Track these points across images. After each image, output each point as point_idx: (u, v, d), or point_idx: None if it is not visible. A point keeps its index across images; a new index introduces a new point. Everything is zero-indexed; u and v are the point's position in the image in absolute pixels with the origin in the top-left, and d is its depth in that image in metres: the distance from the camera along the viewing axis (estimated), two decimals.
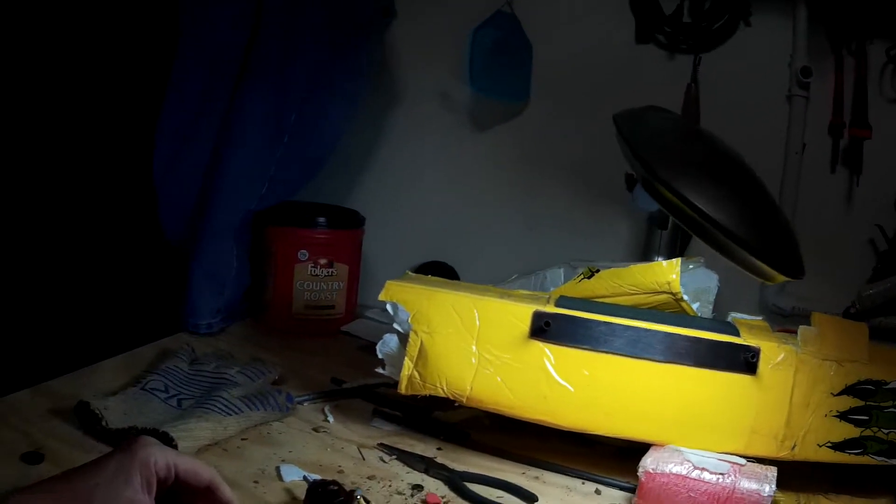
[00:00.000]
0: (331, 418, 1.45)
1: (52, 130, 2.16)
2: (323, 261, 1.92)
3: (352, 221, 2.01)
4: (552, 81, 2.01)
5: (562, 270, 1.74)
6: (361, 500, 1.04)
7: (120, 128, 2.18)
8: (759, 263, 1.33)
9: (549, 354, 1.27)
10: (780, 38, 1.79)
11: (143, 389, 1.40)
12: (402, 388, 1.33)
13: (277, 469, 1.21)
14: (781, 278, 1.37)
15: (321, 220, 1.93)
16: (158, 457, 0.92)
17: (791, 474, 1.22)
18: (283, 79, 1.85)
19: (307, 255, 1.90)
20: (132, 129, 2.09)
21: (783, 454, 1.22)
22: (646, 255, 1.77)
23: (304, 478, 1.13)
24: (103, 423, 1.26)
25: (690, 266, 1.55)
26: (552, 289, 1.64)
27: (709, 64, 1.78)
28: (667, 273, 1.40)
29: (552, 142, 2.03)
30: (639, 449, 1.24)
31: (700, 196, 1.29)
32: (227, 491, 0.97)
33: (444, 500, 1.18)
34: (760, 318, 1.45)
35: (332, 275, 1.94)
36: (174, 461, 0.94)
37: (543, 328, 1.26)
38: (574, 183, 2.00)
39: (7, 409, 1.33)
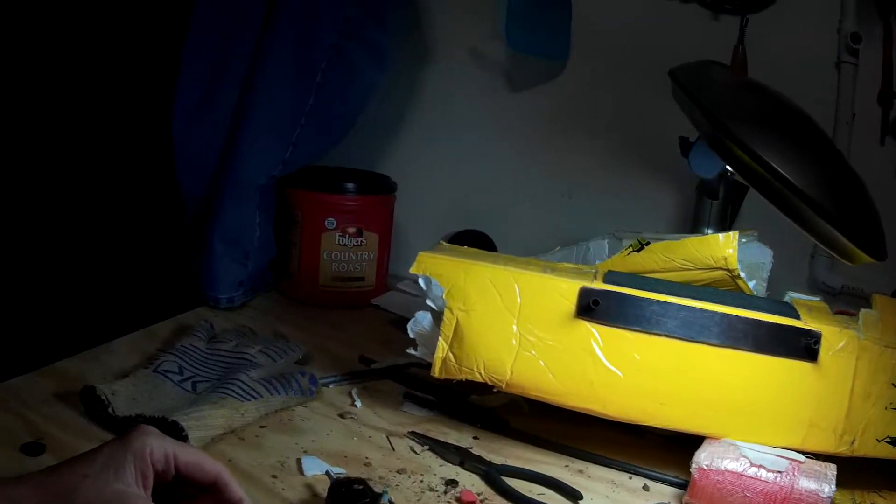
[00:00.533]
0: (358, 403, 1.36)
1: (65, 91, 2.11)
2: (352, 229, 1.82)
3: (382, 187, 1.91)
4: (592, 40, 1.90)
5: (606, 242, 1.66)
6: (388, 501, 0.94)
7: (135, 89, 2.12)
8: (842, 240, 1.21)
9: (596, 336, 1.17)
10: (828, 1, 1.68)
11: (155, 371, 1.32)
12: (436, 372, 1.23)
13: (298, 461, 1.14)
14: (864, 259, 1.25)
15: (350, 185, 1.83)
16: (155, 447, 0.86)
17: (845, 470, 1.13)
18: (309, 33, 1.75)
19: (335, 223, 1.80)
20: (148, 90, 2.02)
21: (842, 450, 1.14)
22: (694, 227, 1.68)
23: (327, 473, 1.05)
24: (109, 410, 1.18)
25: (743, 240, 1.46)
26: (597, 262, 1.56)
27: (755, 26, 1.67)
28: (723, 247, 1.30)
29: (592, 104, 1.93)
30: (689, 439, 1.16)
31: (781, 160, 1.18)
32: (235, 489, 0.91)
33: (481, 497, 1.10)
34: (818, 298, 1.36)
35: (361, 244, 1.84)
36: (173, 452, 0.88)
37: (591, 307, 1.16)
38: (616, 148, 1.90)
39: (8, 393, 1.26)
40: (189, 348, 1.42)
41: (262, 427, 1.23)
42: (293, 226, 1.85)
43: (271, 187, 1.82)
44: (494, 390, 1.22)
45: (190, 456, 0.88)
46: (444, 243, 1.41)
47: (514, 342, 1.18)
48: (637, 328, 1.16)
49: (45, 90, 2.07)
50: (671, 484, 1.17)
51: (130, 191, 2.19)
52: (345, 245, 1.82)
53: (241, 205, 1.76)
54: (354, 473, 1.11)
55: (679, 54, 1.44)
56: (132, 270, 2.19)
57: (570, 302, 1.17)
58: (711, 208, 1.61)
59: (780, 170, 1.15)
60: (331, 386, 1.41)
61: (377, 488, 1.00)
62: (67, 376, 1.34)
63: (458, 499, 1.09)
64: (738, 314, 1.15)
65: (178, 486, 0.89)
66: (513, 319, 1.19)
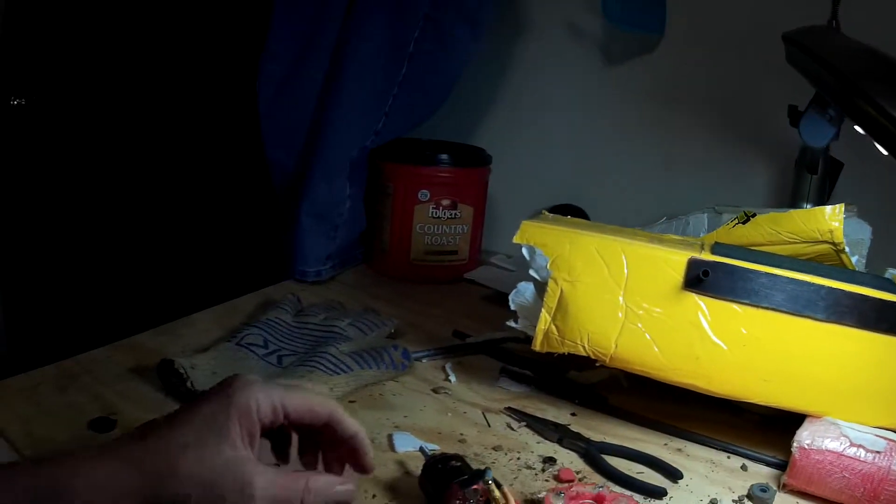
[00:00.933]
0: (452, 378, 1.33)
1: (155, 70, 2.12)
2: (446, 202, 1.79)
3: (477, 159, 1.88)
4: (687, 13, 1.85)
5: (705, 216, 1.63)
6: (492, 484, 0.90)
7: (224, 64, 2.12)
8: None
9: (704, 309, 1.12)
10: None
11: (238, 345, 1.30)
12: (538, 345, 1.19)
13: (390, 437, 1.12)
14: None
15: (444, 157, 1.80)
16: (262, 400, 0.81)
17: None
18: (402, 2, 1.73)
19: (428, 195, 1.78)
20: (236, 64, 2.01)
21: None
22: (792, 203, 1.64)
23: (421, 449, 1.01)
24: (188, 385, 1.17)
25: (844, 216, 1.40)
26: (697, 235, 1.53)
27: (849, 1, 1.62)
28: (830, 220, 1.26)
29: (688, 77, 1.89)
30: (784, 419, 1.13)
31: None
32: (349, 424, 0.86)
33: (579, 475, 1.06)
34: None
35: (455, 217, 1.81)
36: (281, 402, 0.82)
37: (701, 278, 1.12)
38: (713, 121, 1.86)
39: (81, 367, 1.26)
40: (275, 321, 1.40)
41: (350, 402, 1.22)
42: (385, 198, 1.83)
43: (362, 159, 1.80)
44: (597, 364, 1.17)
45: (299, 401, 0.84)
46: (547, 213, 1.38)
47: (620, 314, 1.14)
48: (745, 301, 1.12)
49: (137, 70, 2.08)
50: (768, 464, 1.13)
51: (218, 165, 2.19)
52: (438, 218, 1.79)
53: (331, 177, 1.74)
54: (449, 450, 1.08)
55: (773, 28, 1.40)
56: (217, 244, 2.19)
57: (679, 274, 1.13)
58: (811, 183, 1.57)
59: None
60: (424, 360, 1.39)
61: (475, 465, 0.96)
62: (144, 350, 1.33)
63: (556, 477, 1.05)
64: (845, 288, 1.11)
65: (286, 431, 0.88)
66: (619, 291, 1.15)
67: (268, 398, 0.81)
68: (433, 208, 1.78)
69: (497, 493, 0.89)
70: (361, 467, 0.88)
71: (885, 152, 1.14)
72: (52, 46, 2.17)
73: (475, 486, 0.90)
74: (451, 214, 1.80)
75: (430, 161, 1.79)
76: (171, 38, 2.20)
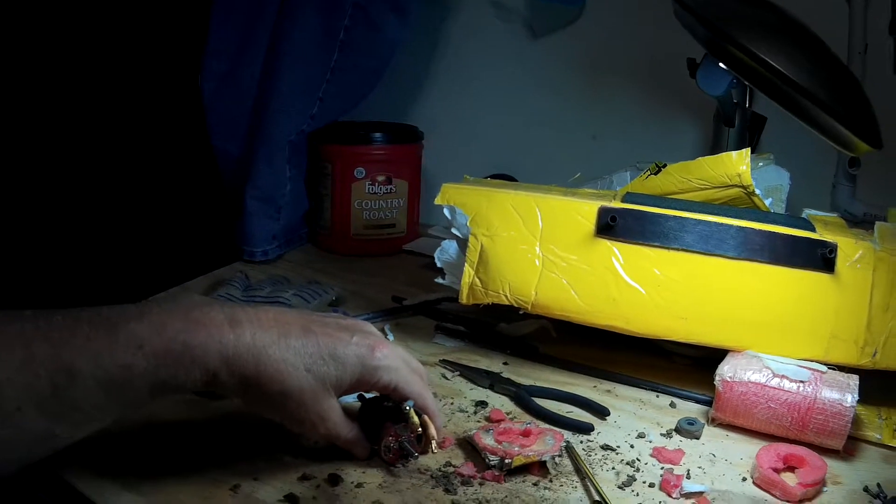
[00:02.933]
0: (391, 336, 1.39)
1: (102, 64, 2.14)
2: (381, 178, 1.85)
3: (410, 136, 1.94)
4: None
5: (628, 173, 1.68)
6: (411, 410, 0.96)
7: (167, 57, 2.15)
8: (841, 129, 1.25)
9: (616, 253, 1.19)
10: None
11: None
12: (464, 298, 1.26)
13: None
14: (864, 147, 1.28)
15: (377, 135, 1.86)
16: (385, 378, 0.94)
17: (872, 387, 1.13)
18: None
19: (364, 172, 1.84)
20: (179, 57, 2.05)
21: (864, 362, 1.14)
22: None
23: (359, 395, 1.05)
24: None
25: (760, 164, 1.48)
26: None
27: None
28: (736, 164, 1.31)
29: (611, 47, 1.94)
30: (714, 360, 1.16)
31: (779, 57, 1.20)
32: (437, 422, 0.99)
33: (510, 416, 1.13)
34: (835, 215, 1.39)
35: (391, 192, 1.87)
36: (395, 387, 0.95)
37: (610, 224, 1.18)
38: (636, 88, 1.92)
39: None
40: (225, 296, 1.46)
41: None
42: (324, 178, 1.88)
43: (301, 143, 1.86)
44: (521, 312, 1.23)
45: (407, 390, 0.95)
46: (468, 177, 1.44)
47: (537, 263, 1.20)
48: (656, 244, 1.18)
49: (80, 64, 2.10)
50: (697, 401, 1.19)
51: (167, 156, 2.22)
52: (375, 193, 1.85)
53: (272, 161, 1.80)
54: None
55: None
56: (167, 231, 2.22)
57: (590, 222, 1.20)
58: (729, 136, 1.62)
59: (781, 69, 1.18)
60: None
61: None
62: None
63: (487, 418, 1.12)
64: (754, 227, 1.17)
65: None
66: (535, 242, 1.21)
67: (391, 377, 0.94)
68: (369, 185, 1.84)
69: (416, 419, 0.96)
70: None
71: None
72: None
73: (405, 423, 0.97)
74: (386, 189, 1.86)
75: (365, 140, 1.85)
76: (117, 35, 2.22)
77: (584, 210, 1.21)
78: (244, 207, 1.81)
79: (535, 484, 0.96)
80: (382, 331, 1.40)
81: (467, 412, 1.14)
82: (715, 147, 1.64)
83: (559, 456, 1.00)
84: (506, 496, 0.93)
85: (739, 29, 1.23)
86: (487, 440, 1.00)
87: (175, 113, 2.14)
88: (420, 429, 0.96)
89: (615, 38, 1.91)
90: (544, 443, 1.01)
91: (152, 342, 0.80)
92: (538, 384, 1.22)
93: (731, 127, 1.61)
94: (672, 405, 1.19)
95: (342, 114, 1.92)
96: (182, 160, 2.18)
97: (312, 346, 0.88)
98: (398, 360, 0.94)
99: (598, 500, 0.92)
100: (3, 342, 0.75)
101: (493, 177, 1.92)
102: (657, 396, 1.21)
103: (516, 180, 1.94)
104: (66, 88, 2.12)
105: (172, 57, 2.13)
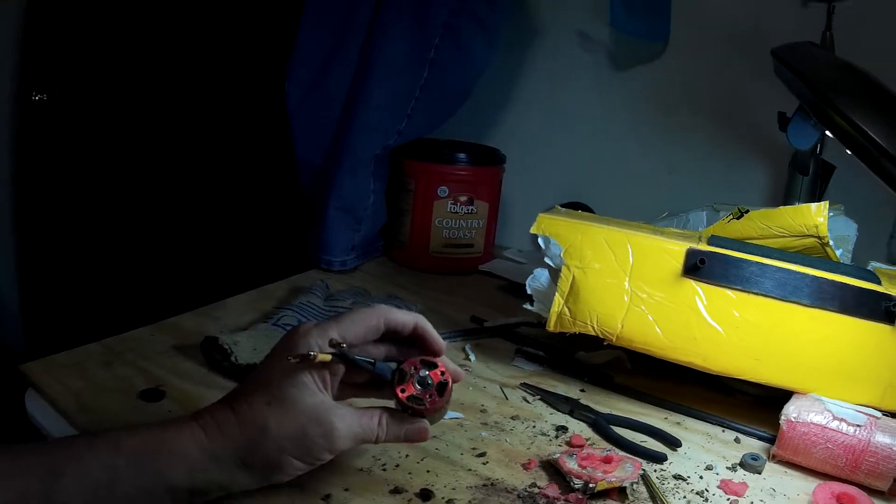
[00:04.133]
0: (472, 357, 1.42)
1: (191, 72, 2.18)
2: (463, 198, 1.88)
3: (493, 158, 1.96)
4: (690, 23, 1.92)
5: (704, 213, 1.69)
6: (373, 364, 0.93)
7: (254, 66, 2.19)
8: None
9: (700, 294, 1.22)
10: None
11: (274, 325, 1.38)
12: (551, 326, 1.29)
13: None
14: None
15: (461, 155, 1.88)
16: (321, 341, 0.89)
17: None
18: (423, 11, 1.81)
19: (447, 191, 1.86)
20: (265, 66, 2.08)
21: None
22: (786, 202, 1.70)
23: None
24: (232, 359, 1.24)
25: (831, 213, 1.49)
26: (698, 230, 1.59)
27: (842, 13, 1.69)
28: (815, 216, 1.33)
29: (691, 83, 1.95)
30: (776, 400, 1.19)
31: (874, 126, 1.22)
32: (403, 318, 0.96)
33: (589, 441, 1.15)
34: None
35: (471, 212, 1.90)
36: (339, 337, 0.90)
37: (697, 266, 1.22)
38: (713, 126, 1.92)
39: (125, 346, 1.33)
40: (307, 305, 1.47)
41: None
42: (406, 194, 1.91)
43: (386, 157, 1.88)
44: (605, 343, 1.27)
45: (352, 327, 0.91)
46: (560, 207, 1.47)
47: (625, 298, 1.24)
48: (737, 287, 1.21)
49: (165, 67, 2.14)
50: (760, 438, 1.21)
51: (249, 162, 2.25)
52: (456, 213, 1.88)
53: (356, 173, 1.82)
54: (472, 419, 1.19)
55: (771, 38, 1.45)
56: (247, 235, 2.24)
57: (678, 262, 1.23)
58: (802, 184, 1.64)
59: (872, 134, 1.20)
60: (445, 341, 1.45)
61: (494, 432, 1.06)
62: (184, 330, 1.41)
63: (567, 442, 1.15)
64: (827, 277, 1.20)
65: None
66: (625, 277, 1.25)
67: (324, 337, 0.89)
68: (451, 204, 1.87)
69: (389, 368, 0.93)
70: (433, 350, 0.97)
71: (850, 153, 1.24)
72: (75, 42, 2.19)
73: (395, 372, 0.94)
74: (467, 210, 1.89)
75: (449, 159, 1.87)
76: (201, 38, 2.25)
77: (673, 250, 1.24)
78: (325, 216, 1.83)
79: None
80: (463, 350, 1.45)
81: (549, 436, 1.17)
82: (788, 193, 1.66)
83: (636, 483, 1.04)
84: None
85: (839, 93, 1.25)
86: (571, 464, 1.03)
87: (259, 121, 2.18)
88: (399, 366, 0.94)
89: (695, 77, 1.92)
90: (624, 469, 1.04)
91: (128, 440, 0.83)
92: (614, 412, 1.25)
93: (806, 175, 1.63)
94: (737, 440, 1.21)
95: (428, 131, 1.94)
96: (264, 167, 2.21)
97: (254, 387, 0.88)
98: (316, 326, 0.91)
99: None
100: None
101: (568, 205, 1.93)
102: (723, 431, 1.24)
103: (591, 209, 1.96)
104: (147, 88, 2.15)
105: (259, 64, 2.16)
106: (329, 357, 0.88)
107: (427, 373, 0.94)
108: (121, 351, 1.30)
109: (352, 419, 0.90)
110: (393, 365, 0.94)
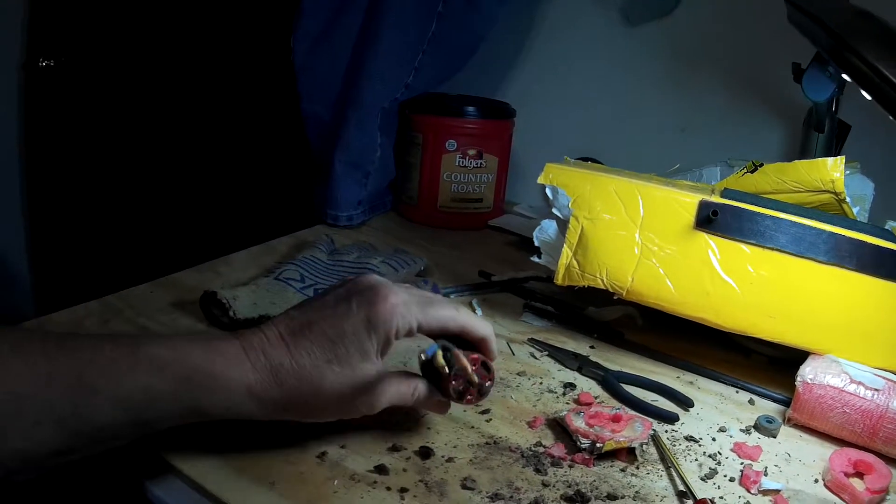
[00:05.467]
0: (479, 311, 1.40)
1: (182, 22, 2.16)
2: (472, 151, 1.85)
3: (502, 112, 1.93)
4: None
5: (718, 169, 1.66)
6: (438, 353, 0.90)
7: (257, 15, 2.17)
8: None
9: (713, 247, 1.19)
10: None
11: (276, 279, 1.35)
12: (559, 279, 1.26)
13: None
14: None
15: (470, 109, 1.85)
16: (401, 323, 0.89)
17: None
18: None
19: (456, 145, 1.83)
20: (271, 19, 2.06)
21: None
22: (801, 159, 1.68)
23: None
24: (231, 314, 1.22)
25: (847, 172, 1.46)
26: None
27: None
28: (831, 171, 1.29)
29: (704, 39, 1.92)
30: (791, 362, 1.17)
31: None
32: (480, 329, 0.97)
33: (597, 399, 1.13)
34: None
35: (481, 166, 1.87)
36: (418, 322, 0.90)
37: (710, 218, 1.18)
38: (727, 83, 1.89)
39: (123, 302, 1.31)
40: (310, 259, 1.45)
41: None
42: (414, 148, 1.88)
43: (393, 111, 1.86)
44: (615, 297, 1.24)
45: (433, 322, 0.91)
46: (569, 158, 1.43)
47: (636, 251, 1.20)
48: (751, 241, 1.18)
49: (168, 26, 2.12)
50: (775, 400, 1.18)
51: (254, 117, 2.23)
52: (465, 167, 1.85)
53: (363, 127, 1.79)
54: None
55: None
56: (252, 190, 2.23)
57: (690, 214, 1.19)
58: (818, 142, 1.61)
59: (893, 77, 1.17)
60: (452, 296, 1.45)
61: (498, 388, 1.05)
62: (184, 286, 1.39)
63: (575, 400, 1.12)
64: (844, 234, 1.16)
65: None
66: (635, 229, 1.21)
67: (406, 320, 0.88)
68: (460, 157, 1.84)
69: (457, 355, 0.90)
70: (488, 357, 0.96)
71: (869, 98, 1.20)
72: (81, 7, 2.21)
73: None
74: (476, 164, 1.86)
75: (458, 113, 1.84)
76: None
77: (685, 202, 1.21)
78: (332, 171, 1.81)
79: (622, 470, 0.96)
80: (470, 305, 1.42)
81: (556, 393, 1.14)
82: (803, 151, 1.63)
83: (646, 443, 1.01)
84: (594, 480, 0.93)
85: (862, 40, 1.21)
86: (579, 423, 1.01)
87: (264, 75, 2.16)
88: (467, 360, 0.91)
89: (708, 34, 1.89)
90: (633, 429, 1.01)
91: (173, 367, 0.80)
92: (624, 370, 1.22)
93: (821, 132, 1.59)
94: (751, 402, 1.18)
95: (436, 85, 1.92)
96: (270, 121, 2.20)
97: (320, 338, 0.86)
98: (404, 304, 0.90)
99: (682, 490, 0.93)
100: (26, 358, 0.75)
101: (581, 161, 1.91)
102: (737, 392, 1.21)
103: (603, 164, 1.94)
104: (152, 46, 2.14)
105: (264, 18, 2.14)
106: (443, 364, 0.89)
107: (478, 373, 0.94)
108: (120, 308, 1.28)
109: (394, 388, 0.91)
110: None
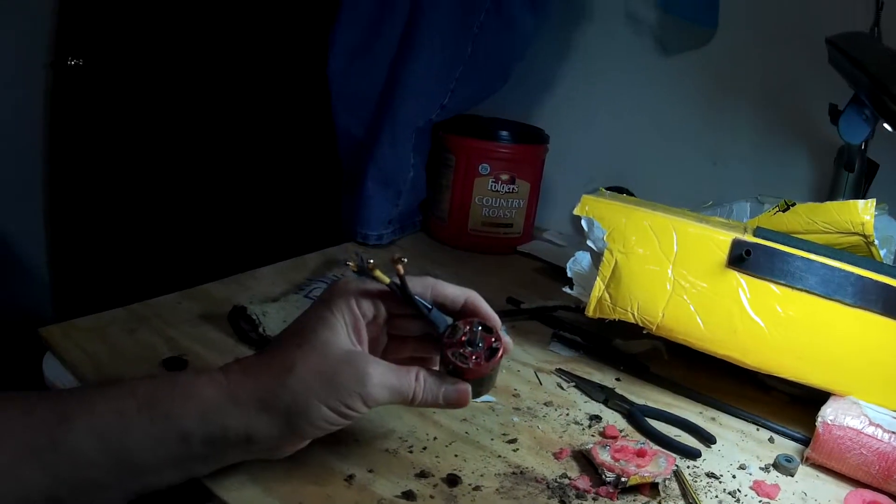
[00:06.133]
0: (506, 337, 1.37)
1: (218, 28, 2.17)
2: (504, 176, 1.84)
3: (536, 137, 1.93)
4: (741, 10, 1.87)
5: (748, 204, 1.65)
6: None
7: (293, 28, 2.17)
8: None
9: (744, 286, 1.19)
10: None
11: (306, 297, 1.35)
12: (591, 311, 1.26)
13: None
14: None
15: (504, 133, 1.85)
16: (360, 296, 0.87)
17: None
18: None
19: (489, 168, 1.83)
20: (306, 31, 2.07)
21: None
22: (830, 198, 1.66)
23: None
24: (260, 330, 1.22)
25: (876, 212, 1.46)
26: (742, 221, 1.55)
27: (891, 7, 1.65)
28: (862, 213, 1.29)
29: (739, 72, 1.91)
30: (811, 401, 1.17)
31: None
32: (454, 291, 0.95)
33: (622, 433, 1.13)
34: None
35: (512, 191, 1.86)
36: (379, 294, 0.89)
37: (743, 256, 1.18)
38: (760, 116, 1.88)
39: (151, 312, 1.31)
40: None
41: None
42: (447, 169, 1.88)
43: (427, 131, 1.86)
44: (644, 332, 1.24)
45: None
46: (604, 190, 1.44)
47: (668, 286, 1.20)
48: (781, 281, 1.17)
49: (202, 31, 2.12)
50: (794, 439, 1.18)
51: (286, 132, 2.23)
52: (497, 191, 1.85)
53: (397, 146, 1.80)
54: (505, 403, 1.17)
55: (822, 26, 1.44)
56: (281, 205, 2.23)
57: (723, 252, 1.19)
58: (847, 180, 1.60)
59: None
60: None
61: (526, 418, 1.03)
62: (212, 298, 1.39)
63: (601, 433, 1.12)
64: (872, 277, 1.16)
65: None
66: (668, 264, 1.21)
67: (364, 287, 0.88)
68: (492, 182, 1.83)
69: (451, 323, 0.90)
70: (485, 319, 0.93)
71: None
72: (111, 7, 2.21)
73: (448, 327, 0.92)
74: (508, 189, 1.85)
75: (492, 136, 1.84)
76: (241, 1, 2.25)
77: (718, 240, 1.21)
78: (363, 189, 1.81)
79: None
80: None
81: (582, 425, 1.14)
82: (833, 189, 1.63)
83: (669, 479, 1.01)
84: None
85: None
86: (605, 456, 1.01)
87: (298, 89, 2.16)
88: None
89: (744, 66, 1.88)
90: (657, 464, 1.01)
91: (143, 390, 0.80)
92: (649, 403, 1.22)
93: (852, 172, 1.59)
94: (771, 440, 1.18)
95: (470, 106, 1.92)
96: (301, 136, 2.20)
97: (286, 335, 0.87)
98: (359, 279, 0.89)
99: None
100: (6, 403, 0.76)
101: (611, 189, 1.91)
102: (757, 430, 1.21)
103: (633, 194, 1.94)
104: (189, 58, 2.14)
105: (300, 32, 2.14)
106: (387, 280, 0.87)
107: (480, 334, 0.91)
108: (146, 317, 1.28)
109: (387, 370, 0.86)
110: (450, 319, 0.92)
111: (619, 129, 2.10)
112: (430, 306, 0.91)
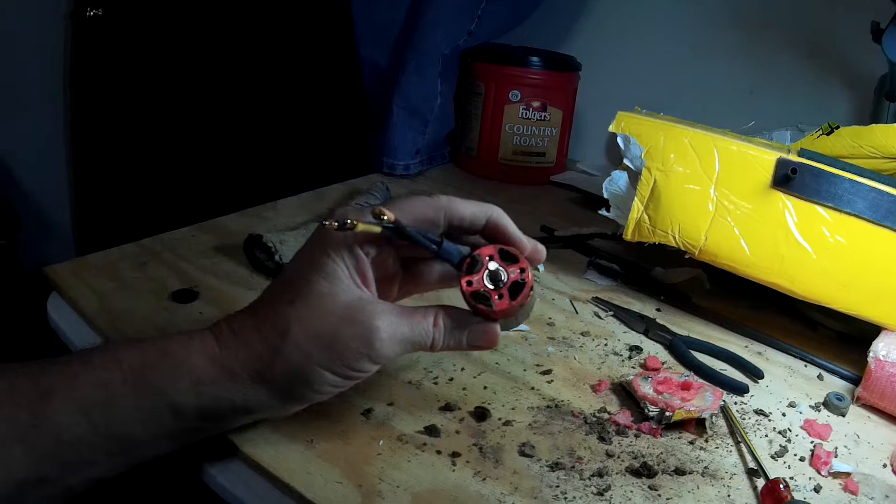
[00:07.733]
0: (541, 267, 1.34)
1: None
2: (536, 103, 1.78)
3: (568, 65, 1.86)
4: None
5: (788, 133, 1.61)
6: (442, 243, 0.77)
7: None
8: None
9: (790, 208, 1.12)
10: None
11: None
12: (629, 234, 1.19)
13: None
14: None
15: (535, 59, 1.78)
16: (359, 223, 0.72)
17: None
18: None
19: (519, 95, 1.77)
20: None
21: None
22: None
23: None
24: (277, 258, 1.16)
25: None
26: None
27: None
28: None
29: (778, 1, 1.84)
30: (859, 339, 1.12)
31: None
32: (469, 211, 0.78)
33: (665, 365, 1.07)
34: None
35: (544, 119, 1.80)
36: (373, 216, 0.73)
37: (789, 176, 1.11)
38: (800, 46, 1.82)
39: (163, 246, 1.27)
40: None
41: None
42: (476, 98, 1.83)
43: (455, 58, 1.80)
44: (686, 257, 1.17)
45: (406, 217, 0.75)
46: (640, 108, 1.37)
47: (710, 207, 1.14)
48: (829, 204, 1.11)
49: None
50: (844, 377, 1.12)
51: (308, 62, 2.20)
52: (528, 119, 1.79)
53: (423, 73, 1.75)
54: (538, 332, 1.11)
55: None
56: (304, 136, 2.20)
57: (768, 172, 1.13)
58: (889, 110, 1.55)
59: None
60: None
61: (563, 348, 0.97)
62: (228, 231, 1.35)
63: (642, 364, 1.07)
64: None
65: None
66: (710, 184, 1.14)
67: (364, 217, 0.73)
68: (523, 109, 1.78)
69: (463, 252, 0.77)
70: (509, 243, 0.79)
71: None
72: None
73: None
74: (540, 116, 1.79)
75: (523, 63, 1.78)
76: None
77: (762, 159, 1.14)
78: (390, 118, 1.76)
79: (690, 442, 0.90)
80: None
81: (621, 356, 1.08)
82: (874, 120, 1.58)
83: (716, 415, 0.95)
84: (661, 452, 0.87)
85: None
86: (647, 389, 0.94)
87: (320, 19, 2.12)
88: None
89: None
90: (704, 399, 0.95)
91: (129, 358, 0.71)
92: (692, 335, 1.16)
93: (893, 101, 1.53)
94: (820, 377, 1.12)
95: (499, 35, 1.87)
96: (324, 67, 2.17)
97: (277, 286, 0.76)
98: (354, 210, 0.74)
99: (753, 468, 0.87)
100: None
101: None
102: (805, 366, 1.15)
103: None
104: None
105: None
106: (378, 229, 0.73)
107: (501, 267, 0.78)
108: (158, 251, 1.24)
109: (399, 319, 0.74)
110: (466, 250, 0.78)
111: (652, 60, 2.04)
112: (438, 240, 0.77)
